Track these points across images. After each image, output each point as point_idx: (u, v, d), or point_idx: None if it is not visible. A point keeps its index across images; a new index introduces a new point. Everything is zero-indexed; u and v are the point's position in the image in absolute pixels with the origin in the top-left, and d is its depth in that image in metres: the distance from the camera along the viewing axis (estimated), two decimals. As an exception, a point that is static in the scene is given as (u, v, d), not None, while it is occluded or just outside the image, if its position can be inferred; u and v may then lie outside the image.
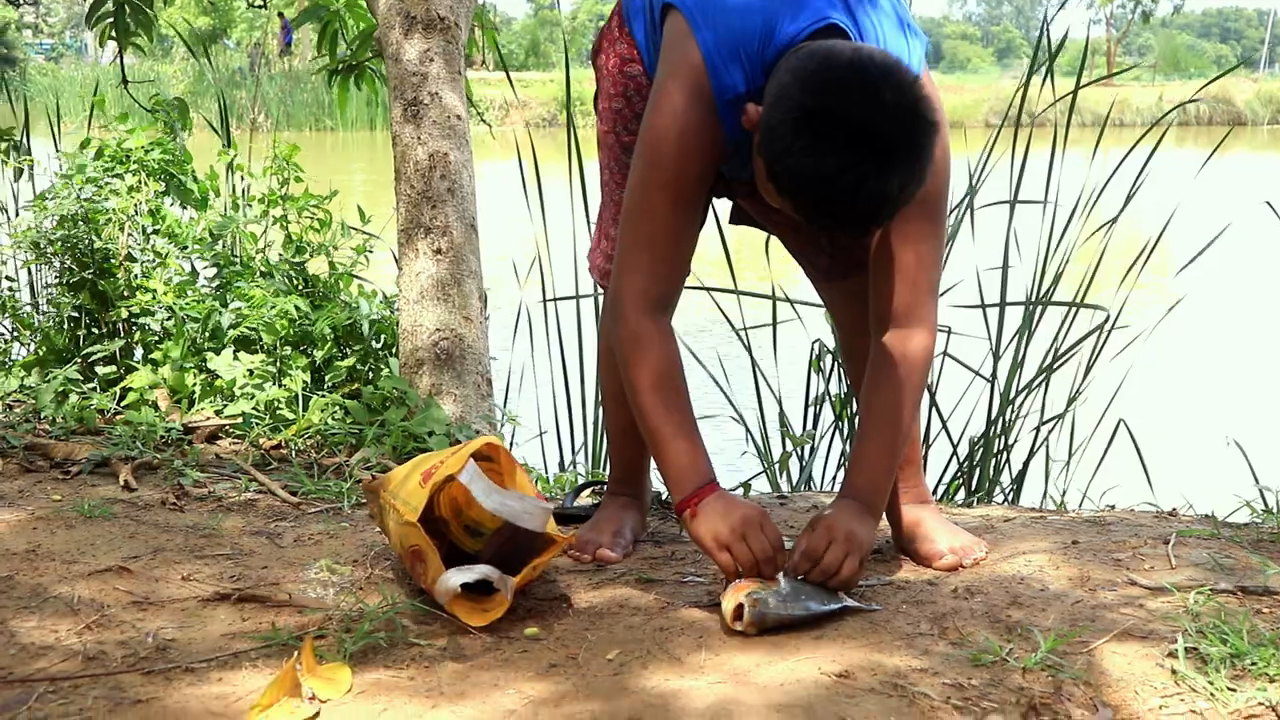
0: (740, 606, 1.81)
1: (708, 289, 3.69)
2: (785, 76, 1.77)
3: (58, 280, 3.64)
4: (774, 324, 3.71)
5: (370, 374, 3.40)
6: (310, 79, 25.36)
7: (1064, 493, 3.57)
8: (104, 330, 3.51)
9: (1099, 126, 3.90)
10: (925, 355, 2.00)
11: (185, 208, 3.78)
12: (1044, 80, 3.76)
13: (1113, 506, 2.79)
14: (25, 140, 4.66)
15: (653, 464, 2.32)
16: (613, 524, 2.28)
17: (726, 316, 3.85)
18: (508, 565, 1.89)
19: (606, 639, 1.80)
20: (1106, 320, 3.66)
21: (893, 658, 1.72)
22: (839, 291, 2.31)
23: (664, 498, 2.51)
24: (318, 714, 1.54)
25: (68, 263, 3.54)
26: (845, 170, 1.69)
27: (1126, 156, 3.73)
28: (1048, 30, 3.89)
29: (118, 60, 5.36)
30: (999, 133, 3.75)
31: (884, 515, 2.27)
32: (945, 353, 3.73)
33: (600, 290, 2.36)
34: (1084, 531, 2.35)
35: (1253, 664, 1.65)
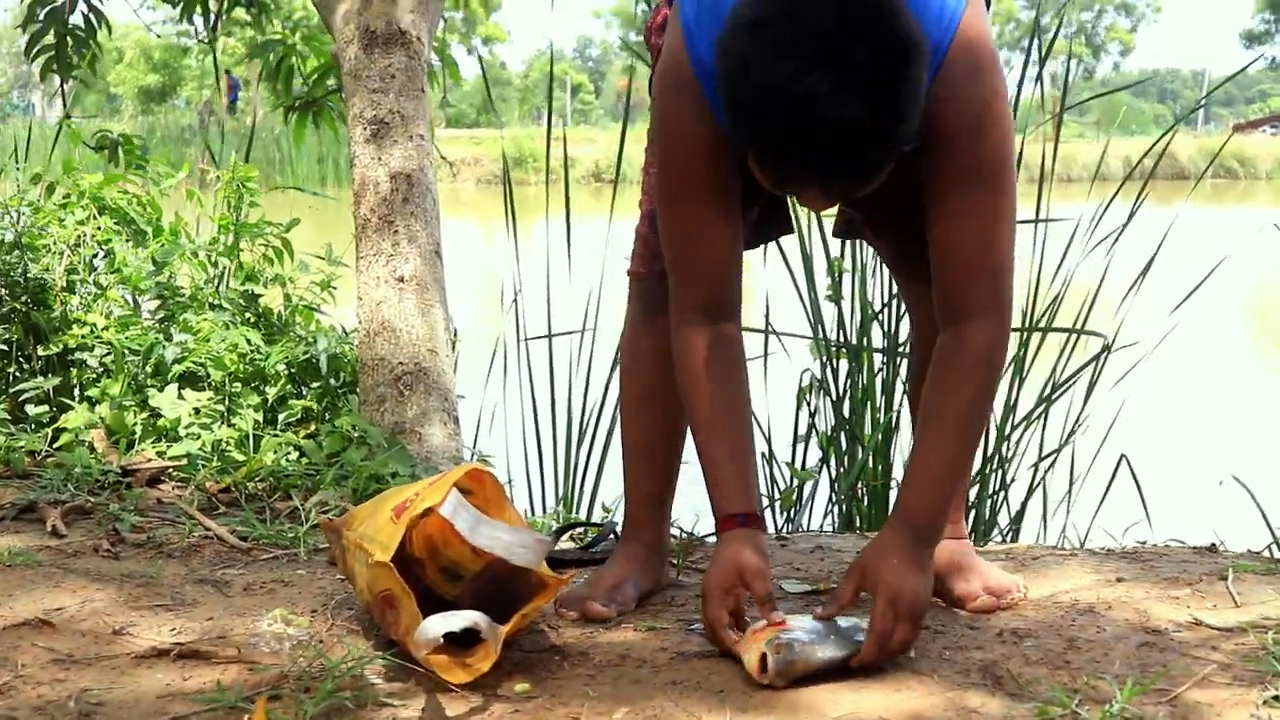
0: (764, 656, 1.57)
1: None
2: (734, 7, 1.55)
3: (-14, 312, 3.36)
4: (765, 355, 3.49)
5: (327, 413, 3.13)
6: (260, 136, 25.09)
7: (1063, 530, 3.37)
8: (36, 366, 3.22)
9: (1042, 181, 3.71)
10: (990, 350, 1.72)
11: (139, 248, 3.50)
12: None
13: (1143, 543, 2.56)
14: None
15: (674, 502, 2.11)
16: (612, 578, 1.96)
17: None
18: (490, 612, 1.63)
19: (611, 695, 1.54)
20: (1104, 349, 3.47)
21: (947, 713, 1.47)
22: (914, 297, 2.06)
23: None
24: None
25: (-1, 292, 3.26)
26: (793, 83, 1.44)
27: (1109, 201, 3.57)
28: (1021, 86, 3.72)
29: (64, 114, 5.10)
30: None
31: None
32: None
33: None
34: (1124, 569, 2.13)
35: (1366, 712, 1.43)
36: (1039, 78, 3.65)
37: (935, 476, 1.72)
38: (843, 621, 1.66)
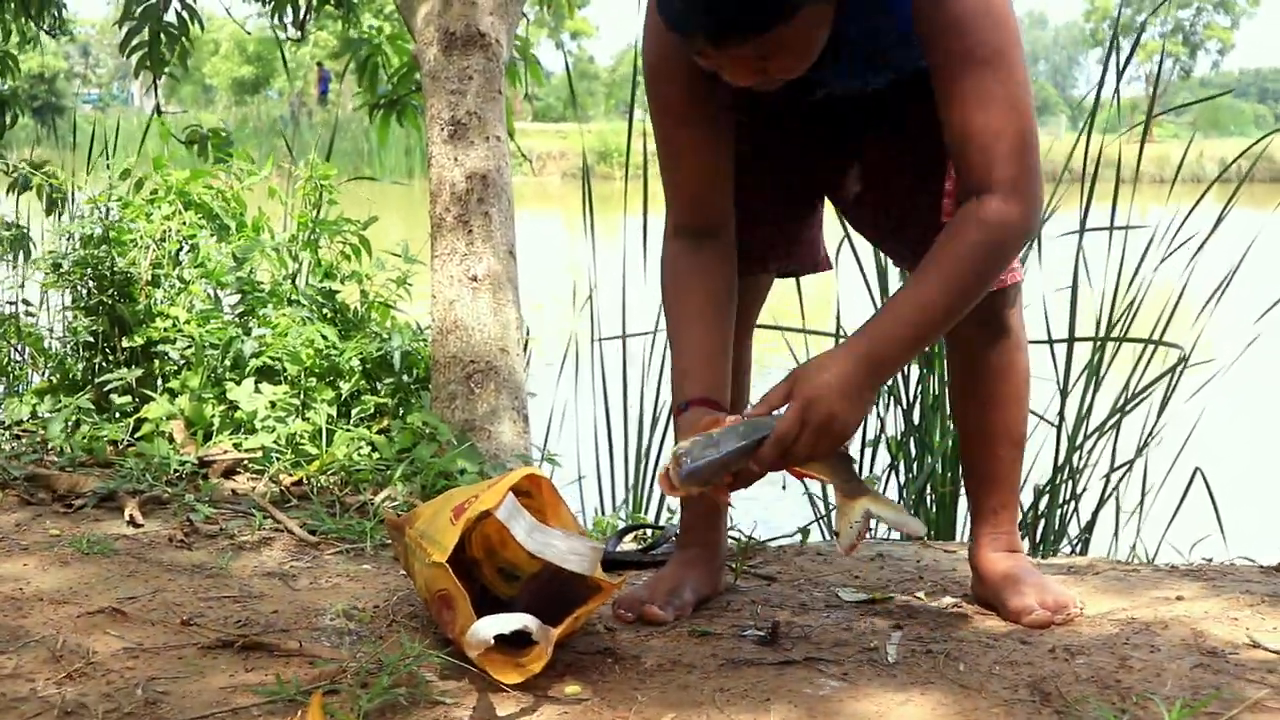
0: (667, 471, 1.65)
1: (774, 328, 3.46)
2: None
3: (75, 304, 3.46)
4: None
5: (400, 408, 3.19)
6: (349, 128, 25.40)
7: (1133, 546, 3.33)
8: (120, 358, 3.31)
9: (1136, 182, 3.66)
10: (1000, 224, 1.66)
11: (222, 243, 3.59)
12: (1081, 136, 3.54)
13: (1210, 559, 2.53)
14: (72, 190, 4.54)
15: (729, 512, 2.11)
16: (670, 581, 1.97)
17: (794, 354, 3.62)
18: (545, 613, 1.66)
19: (659, 700, 1.57)
20: (1180, 360, 3.42)
21: (991, 728, 1.48)
22: None
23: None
24: None
25: (88, 285, 3.36)
26: None
27: (1195, 206, 3.50)
28: (1102, 86, 3.67)
29: (156, 108, 5.22)
30: (1060, 181, 3.53)
31: (968, 563, 2.05)
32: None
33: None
34: (1185, 586, 2.10)
35: None
36: (1136, 78, 3.60)
37: (903, 316, 1.69)
38: (757, 422, 1.68)
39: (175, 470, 2.75)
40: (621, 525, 2.72)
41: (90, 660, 1.64)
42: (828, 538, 3.26)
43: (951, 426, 3.40)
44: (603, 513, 3.60)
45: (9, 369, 3.44)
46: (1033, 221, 1.70)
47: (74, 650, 1.67)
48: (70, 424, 3.09)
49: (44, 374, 3.49)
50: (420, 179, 19.69)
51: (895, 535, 3.35)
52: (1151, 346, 3.44)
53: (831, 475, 1.75)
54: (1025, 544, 3.36)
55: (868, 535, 1.93)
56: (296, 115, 29.86)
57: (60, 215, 4.52)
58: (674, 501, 3.47)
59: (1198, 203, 3.55)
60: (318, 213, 3.52)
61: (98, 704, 1.50)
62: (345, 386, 3.14)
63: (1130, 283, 3.46)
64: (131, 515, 2.40)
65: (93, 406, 3.19)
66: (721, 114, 1.86)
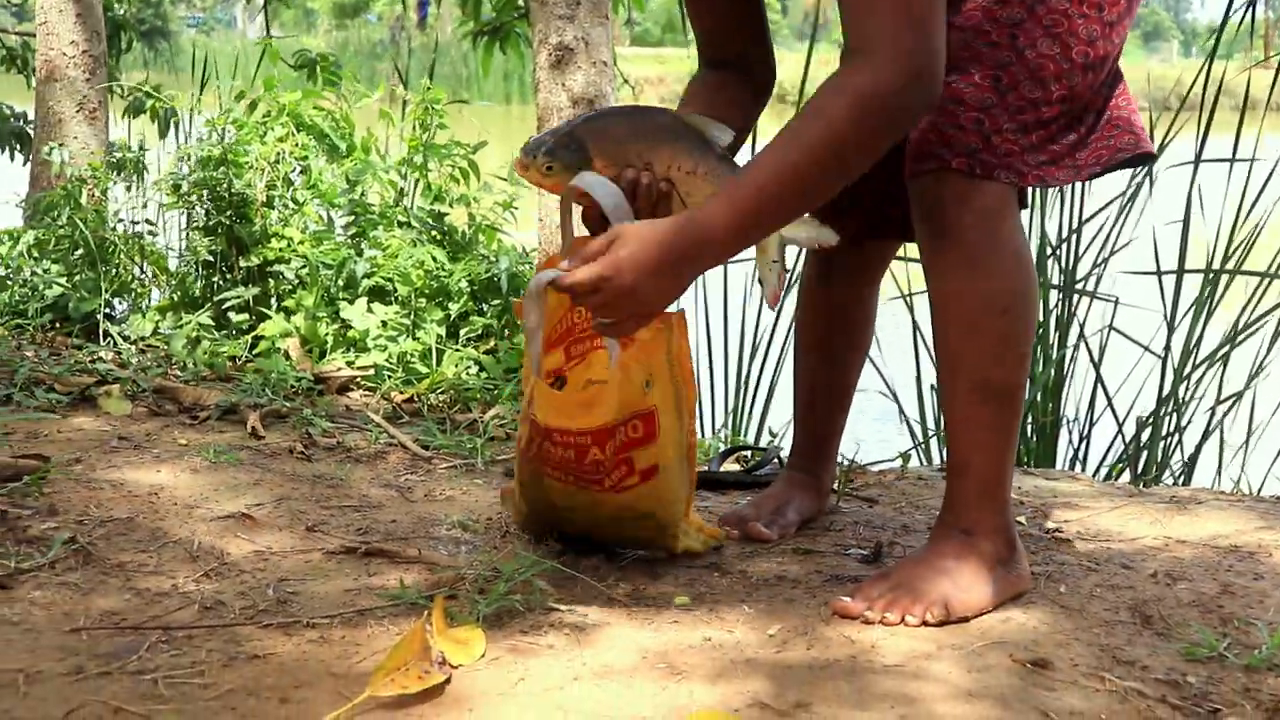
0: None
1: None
2: None
3: (193, 225, 3.57)
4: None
5: (506, 329, 3.25)
6: (449, 53, 25.48)
7: (1236, 480, 3.30)
8: (238, 277, 3.42)
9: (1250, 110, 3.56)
10: (869, 93, 1.46)
11: (333, 164, 3.67)
12: (1205, 65, 3.46)
13: (1316, 493, 2.52)
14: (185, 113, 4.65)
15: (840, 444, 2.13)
16: (775, 501, 2.01)
17: (897, 281, 3.60)
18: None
19: (766, 612, 1.62)
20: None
21: (1091, 648, 1.51)
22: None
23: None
24: (448, 680, 1.38)
25: (205, 206, 3.46)
26: None
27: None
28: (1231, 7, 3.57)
29: (265, 30, 5.32)
30: (1179, 111, 3.46)
31: (1063, 491, 2.06)
32: (1110, 325, 3.46)
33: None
34: (1292, 517, 2.10)
35: None
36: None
37: (741, 191, 1.51)
38: None
39: (292, 386, 2.85)
40: (723, 448, 2.77)
41: (224, 561, 1.73)
42: (925, 462, 3.29)
43: (1054, 355, 3.39)
44: (703, 436, 3.65)
45: (132, 286, 3.56)
46: (911, 93, 1.48)
47: (209, 551, 1.76)
48: (191, 340, 3.20)
49: (165, 292, 3.60)
50: (519, 103, 19.71)
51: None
52: (1266, 281, 3.39)
53: None
54: (1125, 475, 3.36)
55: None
56: (397, 39, 29.98)
57: (173, 137, 4.64)
58: (774, 424, 3.52)
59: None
60: (427, 136, 3.57)
61: (234, 601, 1.59)
62: (454, 307, 3.21)
63: (1246, 217, 3.40)
64: (254, 427, 2.49)
65: (212, 323, 3.30)
66: None
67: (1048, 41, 1.63)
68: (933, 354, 1.81)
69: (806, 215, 1.65)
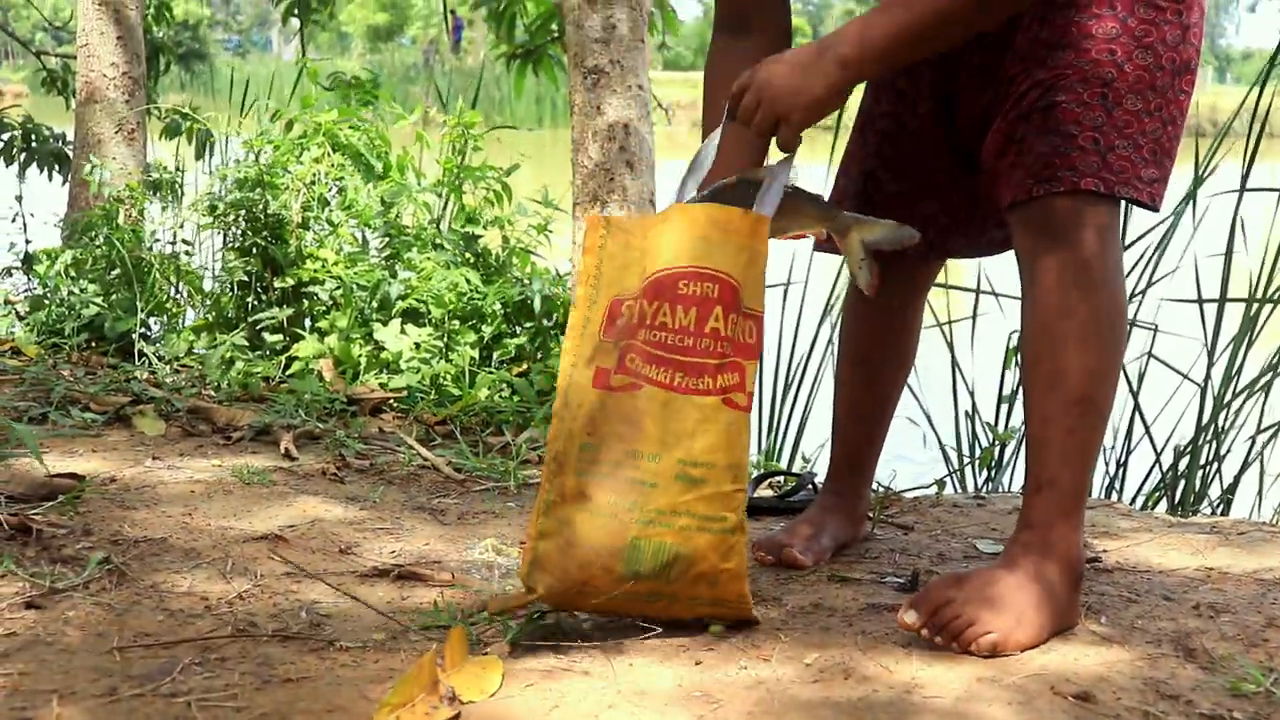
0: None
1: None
2: None
3: (229, 245, 3.59)
4: (974, 316, 3.45)
5: (539, 353, 3.25)
6: (480, 76, 25.66)
7: (1277, 509, 3.26)
8: (272, 298, 3.43)
9: None
10: None
11: (368, 184, 3.68)
12: (1256, 92, 3.43)
13: (1361, 525, 2.48)
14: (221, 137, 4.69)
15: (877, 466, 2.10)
16: (810, 527, 1.99)
17: (934, 311, 3.58)
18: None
19: (801, 641, 1.60)
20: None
21: (1135, 680, 1.48)
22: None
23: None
24: (458, 716, 1.34)
25: (241, 226, 3.48)
26: None
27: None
28: None
29: (301, 53, 5.35)
30: (1220, 139, 3.42)
31: (1103, 522, 2.03)
32: (1149, 353, 3.43)
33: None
34: (1336, 550, 2.07)
35: None
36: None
37: (874, 12, 1.64)
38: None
39: (325, 406, 2.85)
40: (756, 474, 2.75)
41: (257, 582, 1.73)
42: (960, 490, 3.26)
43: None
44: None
45: (168, 306, 3.58)
46: None
47: (242, 572, 1.76)
48: (225, 360, 3.21)
49: (200, 312, 3.62)
50: (550, 127, 19.80)
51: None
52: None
53: (812, 221, 1.78)
54: (1163, 504, 3.32)
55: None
56: (430, 62, 30.20)
57: (209, 159, 4.67)
58: (809, 450, 3.49)
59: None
60: (462, 159, 3.58)
61: (267, 623, 1.58)
62: (487, 330, 3.21)
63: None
64: (287, 448, 2.49)
65: (246, 344, 3.32)
66: None
67: (1141, 52, 1.65)
68: (1016, 373, 1.85)
69: (887, 221, 1.74)
